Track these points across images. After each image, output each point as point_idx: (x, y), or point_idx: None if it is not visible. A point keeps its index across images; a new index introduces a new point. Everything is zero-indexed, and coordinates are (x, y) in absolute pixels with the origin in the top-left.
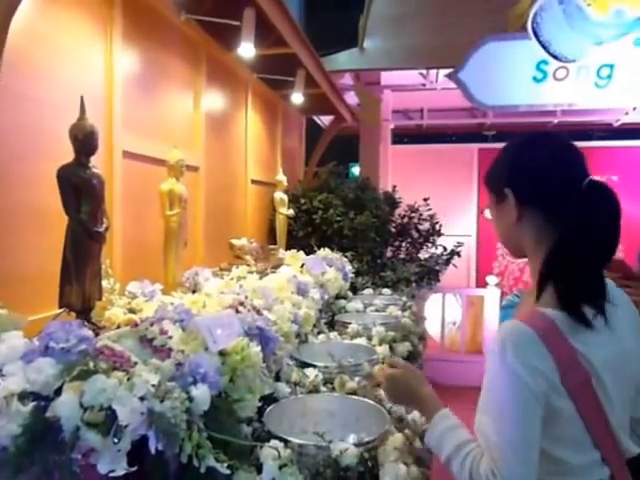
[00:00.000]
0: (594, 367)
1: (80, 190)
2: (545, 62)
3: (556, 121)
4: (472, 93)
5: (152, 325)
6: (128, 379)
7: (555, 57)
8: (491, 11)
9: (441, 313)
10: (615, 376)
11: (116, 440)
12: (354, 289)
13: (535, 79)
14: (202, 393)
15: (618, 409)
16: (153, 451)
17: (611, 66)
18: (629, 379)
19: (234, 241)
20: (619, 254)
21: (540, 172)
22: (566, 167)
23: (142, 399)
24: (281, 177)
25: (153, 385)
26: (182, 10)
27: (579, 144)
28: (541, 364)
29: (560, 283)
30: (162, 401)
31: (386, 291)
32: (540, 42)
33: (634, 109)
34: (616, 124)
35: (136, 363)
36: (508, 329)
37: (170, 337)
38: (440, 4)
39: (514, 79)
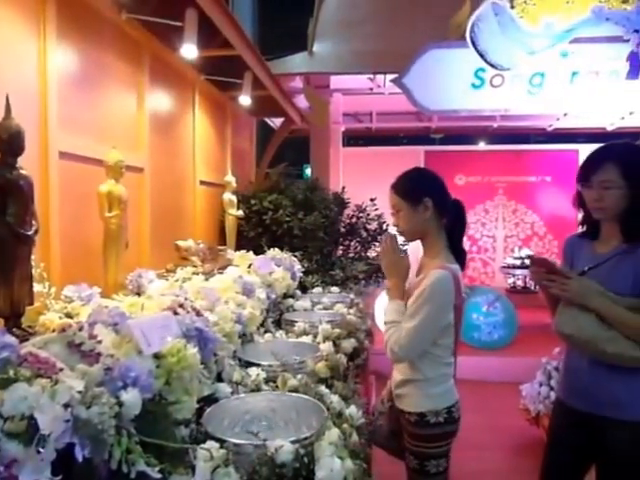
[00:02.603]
0: (463, 298)
1: (5, 192)
2: (482, 69)
3: (495, 125)
4: (415, 98)
5: (81, 329)
6: (52, 386)
7: (491, 65)
8: (435, 19)
9: None
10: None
11: (40, 449)
12: (304, 288)
13: (474, 85)
14: (133, 397)
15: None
16: (80, 459)
17: (542, 75)
18: None
19: (180, 242)
20: (554, 249)
21: (443, 190)
22: (446, 189)
23: (67, 406)
24: (230, 178)
25: (79, 392)
26: (123, 9)
27: (517, 147)
28: (452, 291)
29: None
30: (89, 407)
31: (334, 289)
32: (477, 50)
33: (565, 115)
34: (549, 129)
35: (62, 369)
36: (441, 273)
37: (99, 341)
38: (387, 11)
39: (454, 85)
